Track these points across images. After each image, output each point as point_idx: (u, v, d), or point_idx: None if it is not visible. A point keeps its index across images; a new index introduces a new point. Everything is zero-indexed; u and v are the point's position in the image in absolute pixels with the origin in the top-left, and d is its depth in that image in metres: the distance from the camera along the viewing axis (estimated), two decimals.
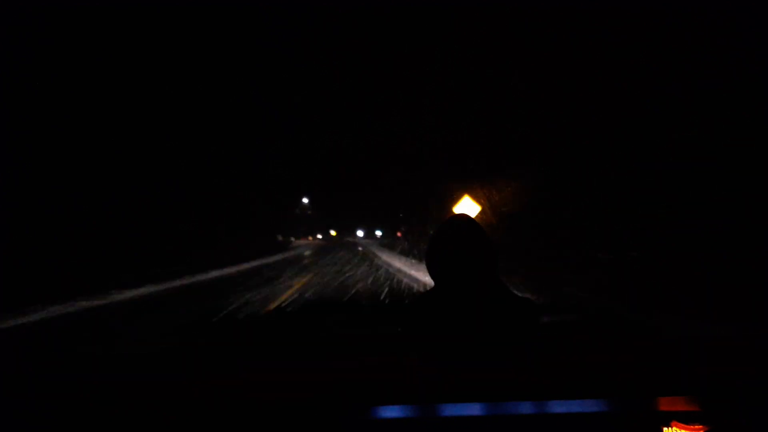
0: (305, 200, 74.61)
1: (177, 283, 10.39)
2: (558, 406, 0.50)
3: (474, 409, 0.50)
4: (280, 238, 35.75)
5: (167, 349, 0.92)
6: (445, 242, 0.90)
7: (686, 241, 7.62)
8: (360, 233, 79.30)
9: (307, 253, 31.42)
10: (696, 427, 0.52)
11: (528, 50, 12.30)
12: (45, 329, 5.94)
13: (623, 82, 9.56)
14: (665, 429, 0.51)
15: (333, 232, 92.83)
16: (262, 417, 0.53)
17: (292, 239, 58.29)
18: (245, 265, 15.65)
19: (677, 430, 0.52)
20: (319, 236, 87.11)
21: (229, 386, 0.61)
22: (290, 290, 8.21)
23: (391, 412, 0.50)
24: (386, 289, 8.19)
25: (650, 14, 8.72)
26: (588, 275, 9.29)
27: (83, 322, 6.20)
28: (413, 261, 14.83)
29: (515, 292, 0.87)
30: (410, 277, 10.72)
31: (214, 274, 12.66)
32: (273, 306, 6.61)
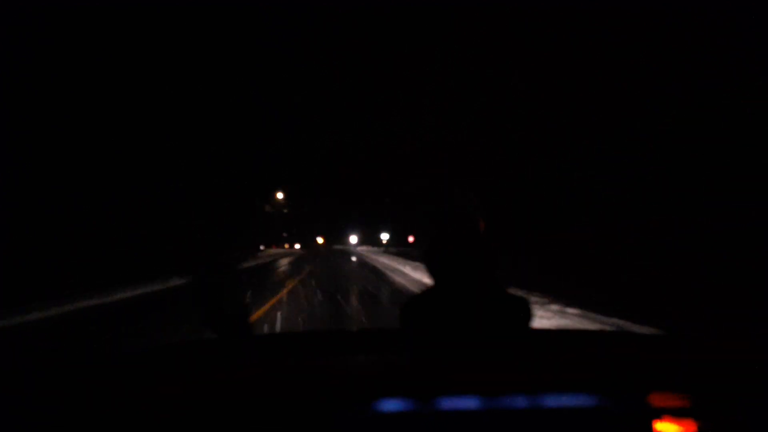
0: (280, 195, 54.04)
1: None
2: (550, 400, 0.52)
3: (470, 403, 0.51)
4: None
5: (166, 347, 0.92)
6: (446, 242, 0.92)
7: (685, 241, 7.64)
8: (353, 239, 62.58)
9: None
10: (687, 421, 0.53)
11: (527, 50, 12.31)
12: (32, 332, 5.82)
13: (618, 81, 9.59)
14: (656, 423, 0.52)
15: (320, 239, 73.65)
16: (261, 413, 0.54)
17: (262, 248, 42.74)
18: None
19: (668, 424, 0.52)
20: (297, 246, 65.94)
21: (228, 383, 0.62)
22: None
23: (389, 406, 0.51)
24: None
25: (647, 15, 8.73)
26: (585, 274, 9.30)
27: None
28: None
29: (511, 291, 0.89)
30: None
31: None
32: None
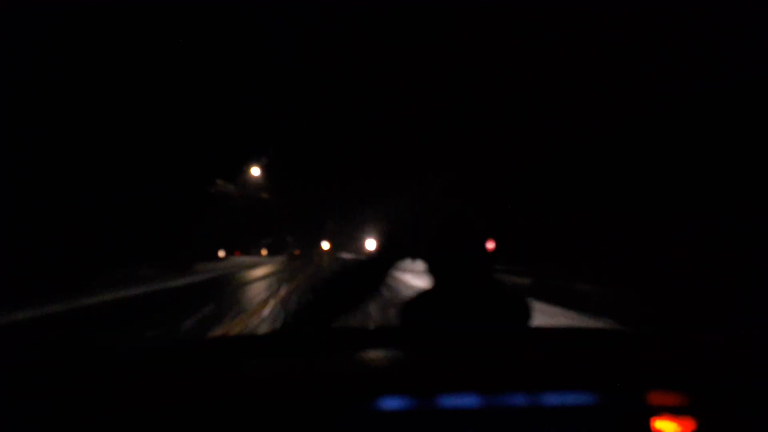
0: (255, 171, 35.05)
1: None
2: (550, 398, 0.52)
3: (469, 401, 0.51)
4: None
5: (164, 346, 0.92)
6: (445, 240, 0.92)
7: (680, 240, 7.66)
8: (370, 244, 43.58)
9: None
10: (686, 419, 0.53)
11: (526, 51, 12.30)
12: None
13: (617, 82, 9.59)
14: (655, 420, 0.52)
15: (326, 245, 53.14)
16: (261, 411, 0.54)
17: (221, 254, 30.81)
18: None
19: (667, 422, 0.52)
20: (297, 253, 43.08)
21: (228, 381, 0.62)
22: None
23: (390, 403, 0.51)
24: None
25: (645, 14, 8.72)
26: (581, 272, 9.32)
27: None
28: None
29: (511, 291, 0.89)
30: None
31: None
32: None
